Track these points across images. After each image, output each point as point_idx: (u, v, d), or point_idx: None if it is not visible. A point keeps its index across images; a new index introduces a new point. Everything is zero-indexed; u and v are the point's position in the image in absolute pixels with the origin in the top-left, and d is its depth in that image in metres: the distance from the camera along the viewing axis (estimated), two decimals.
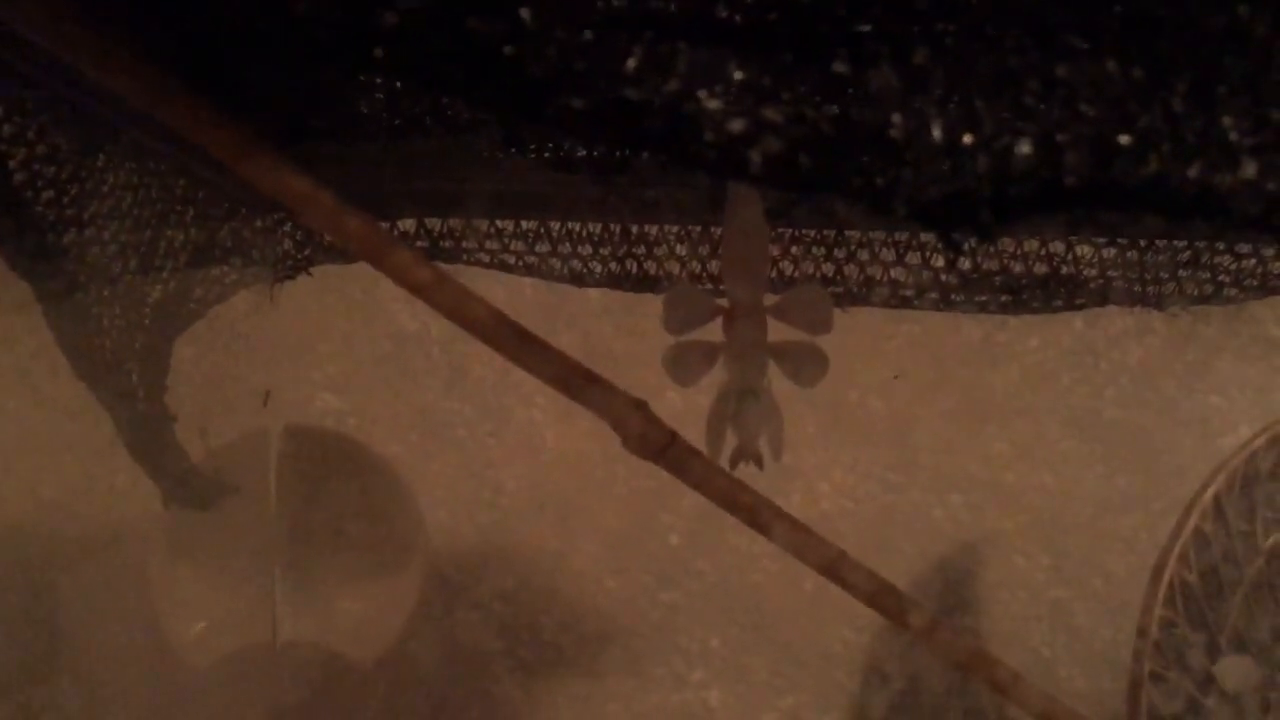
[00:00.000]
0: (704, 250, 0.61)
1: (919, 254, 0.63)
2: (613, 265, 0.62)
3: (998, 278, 0.64)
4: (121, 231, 0.46)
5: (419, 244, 0.63)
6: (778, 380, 0.46)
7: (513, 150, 0.43)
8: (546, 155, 0.43)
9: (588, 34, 0.27)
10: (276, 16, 0.27)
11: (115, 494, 0.79)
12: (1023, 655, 1.07)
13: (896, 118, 0.28)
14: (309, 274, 0.65)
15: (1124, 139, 0.28)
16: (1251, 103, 0.28)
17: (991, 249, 0.63)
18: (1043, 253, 0.63)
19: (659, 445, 0.37)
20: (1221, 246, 0.63)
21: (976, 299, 0.64)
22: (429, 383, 1.11)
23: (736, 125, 0.27)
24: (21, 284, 0.45)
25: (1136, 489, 1.10)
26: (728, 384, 0.45)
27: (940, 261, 0.63)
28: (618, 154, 0.42)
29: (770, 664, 1.07)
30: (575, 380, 0.36)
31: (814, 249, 0.62)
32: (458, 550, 1.08)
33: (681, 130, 0.27)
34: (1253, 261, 0.62)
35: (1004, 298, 0.65)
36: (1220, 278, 0.64)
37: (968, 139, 0.28)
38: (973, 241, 0.29)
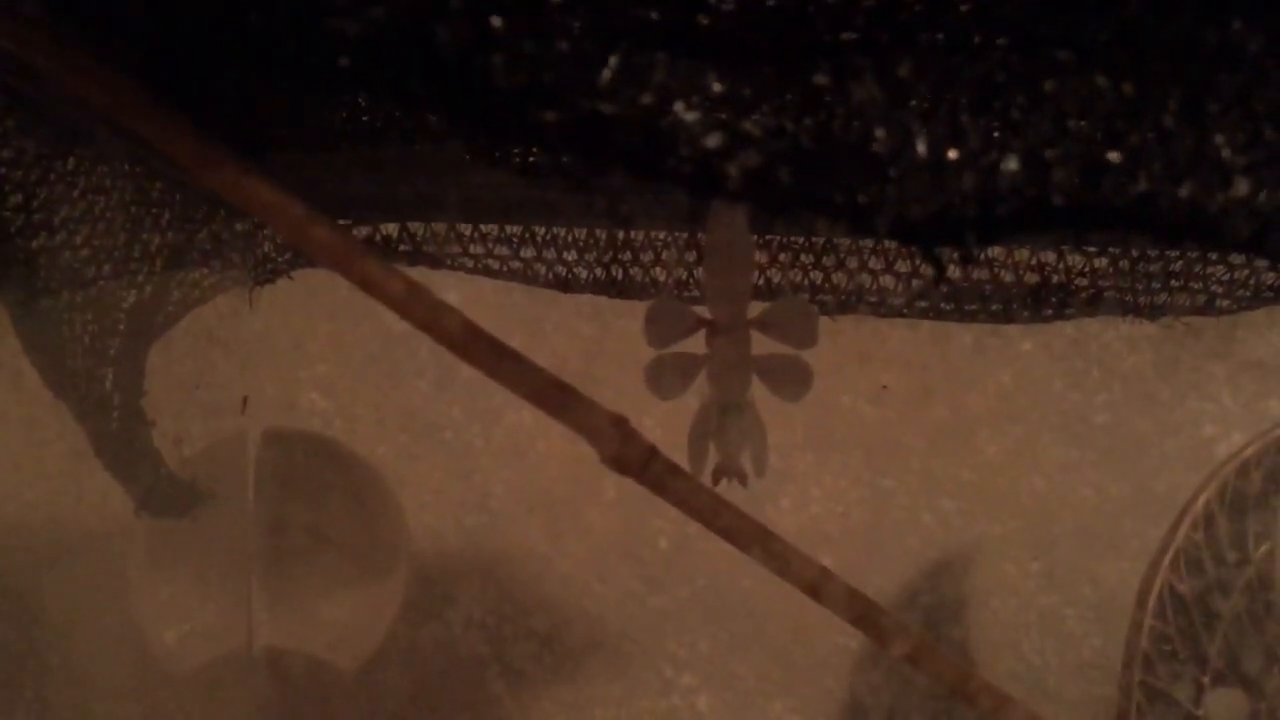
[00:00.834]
0: (690, 256, 0.61)
1: (908, 263, 0.62)
2: (598, 271, 0.62)
3: (988, 287, 0.63)
4: (94, 236, 0.45)
5: (402, 248, 0.62)
6: (763, 391, 0.46)
7: (487, 160, 0.42)
8: (520, 164, 0.42)
9: (560, 44, 0.26)
10: (239, 27, 0.26)
11: (100, 495, 0.78)
12: (1012, 662, 1.06)
13: (879, 132, 0.27)
14: (290, 278, 0.64)
15: (1113, 156, 0.27)
16: (1244, 120, 0.27)
17: (982, 258, 0.62)
18: (1033, 262, 0.62)
19: (638, 461, 0.37)
20: (1214, 257, 0.62)
21: (966, 308, 0.64)
22: (417, 384, 1.10)
23: (714, 139, 0.27)
24: None
25: (1128, 495, 1.09)
26: (710, 398, 0.44)
27: (930, 271, 0.62)
28: (595, 165, 0.41)
29: (759, 669, 1.07)
30: (551, 394, 0.35)
31: (801, 256, 0.61)
32: (444, 553, 1.07)
33: (657, 144, 0.27)
34: (1245, 272, 0.61)
35: (994, 307, 0.64)
36: (1213, 288, 0.64)
37: (953, 154, 0.27)
38: (957, 258, 0.28)
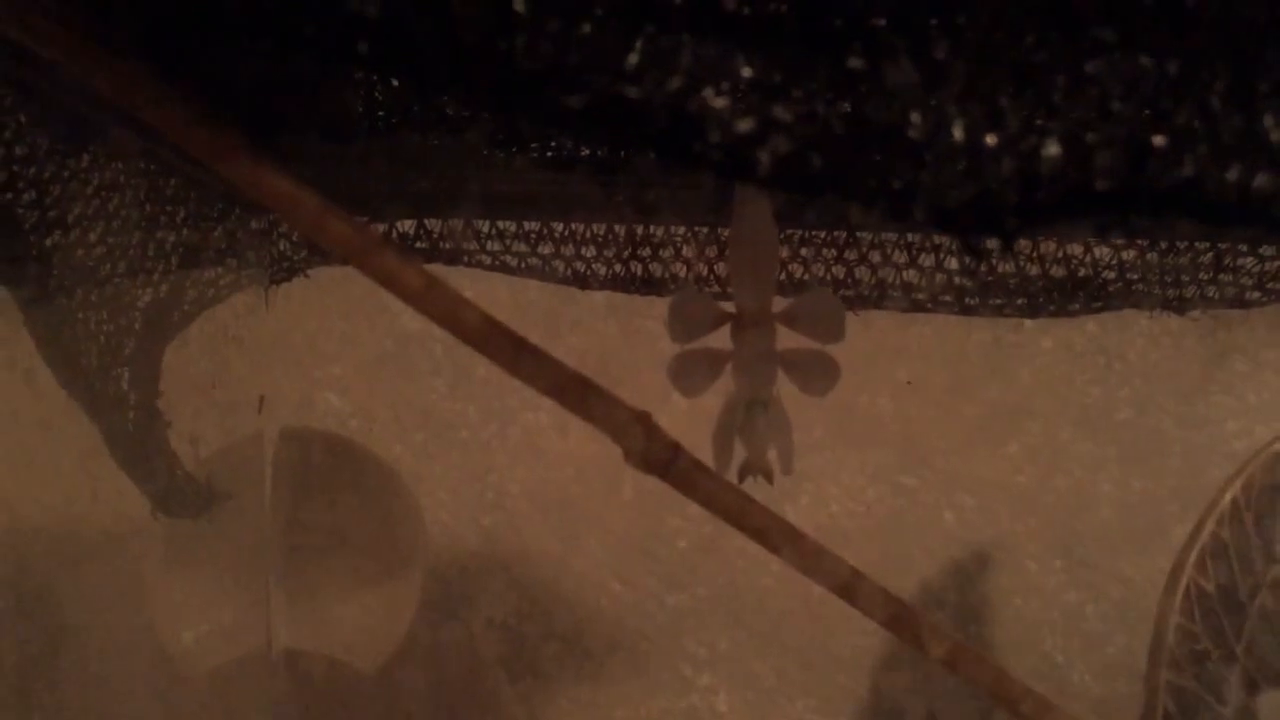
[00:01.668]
0: (711, 252, 0.60)
1: (933, 256, 0.61)
2: (617, 267, 0.61)
3: (1014, 281, 0.62)
4: (108, 233, 0.44)
5: (418, 245, 0.61)
6: (787, 387, 0.45)
7: (508, 149, 0.41)
8: (541, 154, 0.41)
9: (585, 26, 0.25)
10: (256, 11, 0.25)
11: (116, 495, 0.78)
12: (1035, 661, 1.06)
13: (915, 116, 0.26)
14: (306, 276, 0.64)
15: (1158, 139, 0.26)
16: None
17: (1008, 251, 0.61)
18: (1060, 255, 0.61)
19: (663, 460, 0.36)
20: (1245, 249, 0.61)
21: (992, 302, 0.62)
22: (432, 383, 1.10)
23: (744, 125, 0.26)
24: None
25: (1151, 492, 1.08)
26: (735, 394, 0.43)
27: (955, 265, 0.62)
28: (619, 154, 0.40)
29: (779, 668, 1.06)
30: (572, 390, 0.35)
31: (825, 251, 0.60)
32: (462, 553, 1.06)
33: (685, 130, 0.26)
34: (1278, 264, 0.60)
35: (1020, 301, 0.63)
36: (1243, 280, 0.63)
37: (991, 139, 0.26)
38: (995, 247, 0.27)
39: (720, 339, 0.43)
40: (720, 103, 0.26)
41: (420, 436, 1.09)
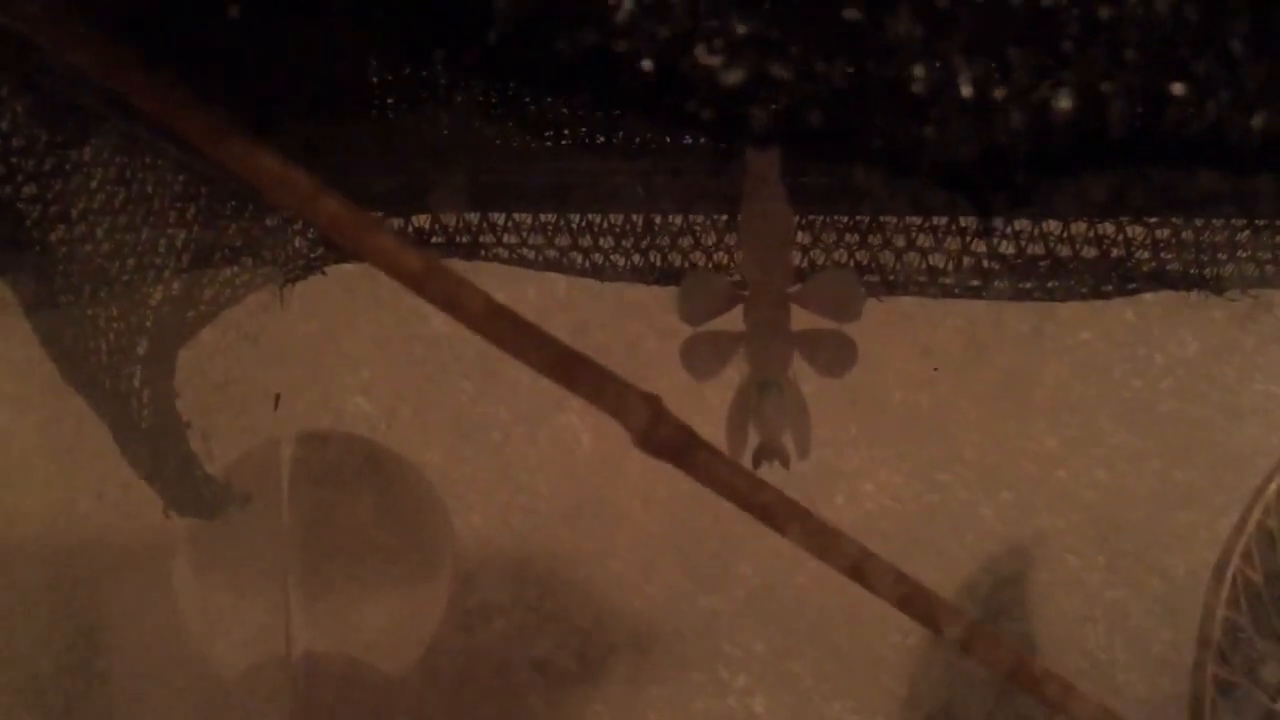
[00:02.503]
0: (731, 240, 0.59)
1: (959, 240, 0.60)
2: (635, 258, 0.60)
3: (1043, 263, 0.60)
4: (115, 229, 0.44)
5: (435, 240, 0.61)
6: (813, 375, 0.43)
7: (490, 113, 0.40)
8: (529, 116, 0.40)
9: None
10: None
11: (151, 501, 0.78)
12: (1078, 659, 1.04)
13: (919, 70, 0.25)
14: (323, 273, 0.63)
15: (1177, 87, 0.25)
16: None
17: (1037, 232, 0.60)
18: (1091, 235, 0.60)
19: (673, 443, 0.35)
20: None
21: (1021, 285, 0.61)
22: (462, 385, 1.09)
23: (739, 82, 0.25)
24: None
25: (1195, 484, 1.06)
26: (749, 376, 0.42)
27: (982, 248, 0.60)
28: (607, 113, 0.39)
29: (816, 669, 1.05)
30: (580, 373, 0.34)
31: (847, 235, 0.59)
32: (492, 556, 1.06)
33: (677, 88, 0.25)
34: None
35: (1051, 284, 0.61)
36: None
37: (1000, 92, 0.25)
38: (1006, 210, 0.26)
39: (734, 321, 0.42)
40: (713, 60, 0.25)
41: (450, 439, 1.09)
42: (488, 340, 0.33)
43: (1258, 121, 0.25)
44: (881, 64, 0.25)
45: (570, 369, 0.33)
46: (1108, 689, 1.03)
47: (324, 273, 0.63)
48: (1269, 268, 0.61)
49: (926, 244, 0.59)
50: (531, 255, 0.61)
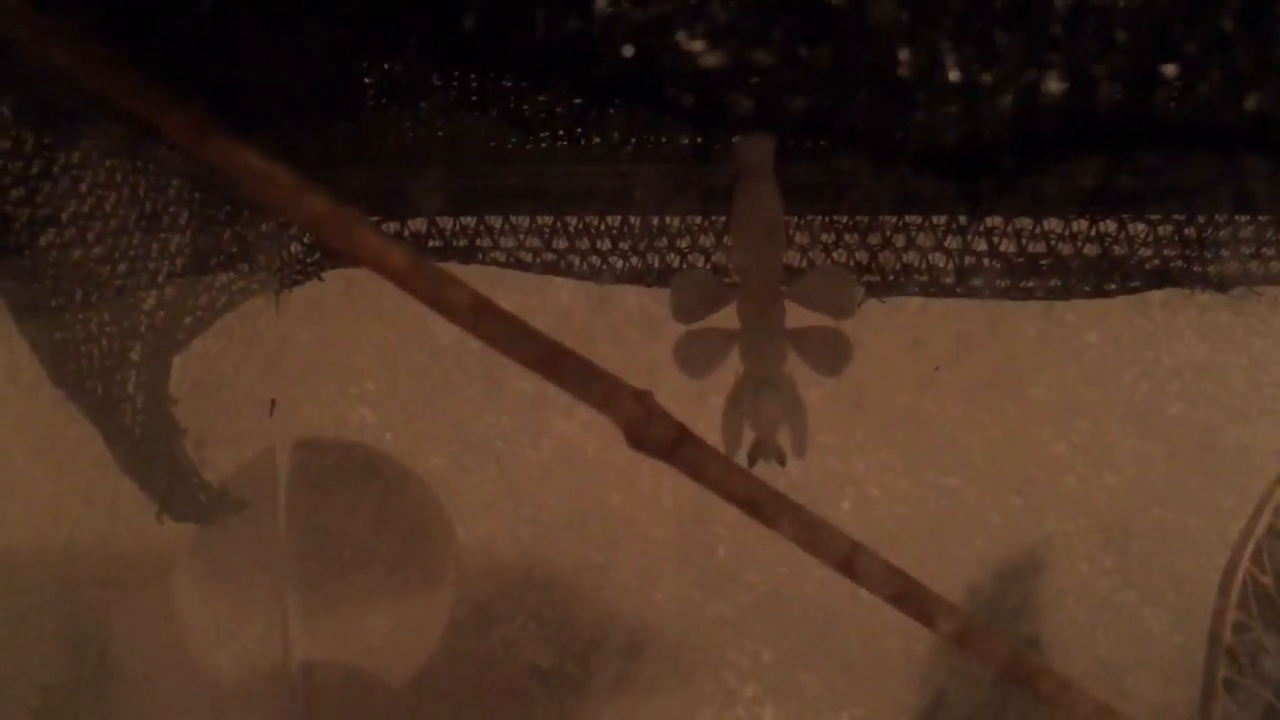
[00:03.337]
0: (729, 241, 0.58)
1: (959, 239, 0.59)
2: (633, 260, 0.59)
3: (1045, 261, 0.60)
4: (106, 233, 0.44)
5: (432, 244, 0.60)
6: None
7: (469, 107, 0.40)
8: (509, 109, 0.40)
9: None
10: None
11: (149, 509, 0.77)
12: (1089, 664, 1.03)
13: (904, 54, 0.25)
14: (320, 279, 0.63)
15: (1167, 69, 0.24)
16: None
17: (1038, 229, 0.59)
18: (1093, 233, 0.59)
19: (666, 441, 0.34)
20: None
21: (1022, 285, 0.60)
22: (466, 395, 1.09)
23: (721, 69, 0.24)
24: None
25: (1204, 488, 1.05)
26: (744, 374, 0.42)
27: (983, 245, 0.60)
28: (587, 102, 0.39)
29: (825, 677, 1.04)
30: (570, 370, 0.33)
31: (846, 235, 0.58)
32: (498, 566, 1.05)
33: (658, 75, 0.24)
34: None
35: (1053, 283, 0.61)
36: None
37: (986, 76, 0.25)
38: (993, 197, 0.25)
39: (728, 318, 0.42)
40: (695, 46, 0.24)
41: (455, 449, 1.08)
42: (475, 336, 0.33)
43: (1250, 103, 0.24)
44: (866, 49, 0.25)
45: (559, 365, 0.33)
46: (1119, 693, 1.02)
47: (321, 278, 0.63)
48: (1274, 264, 0.60)
49: (927, 243, 0.59)
50: (529, 258, 0.60)
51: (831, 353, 0.41)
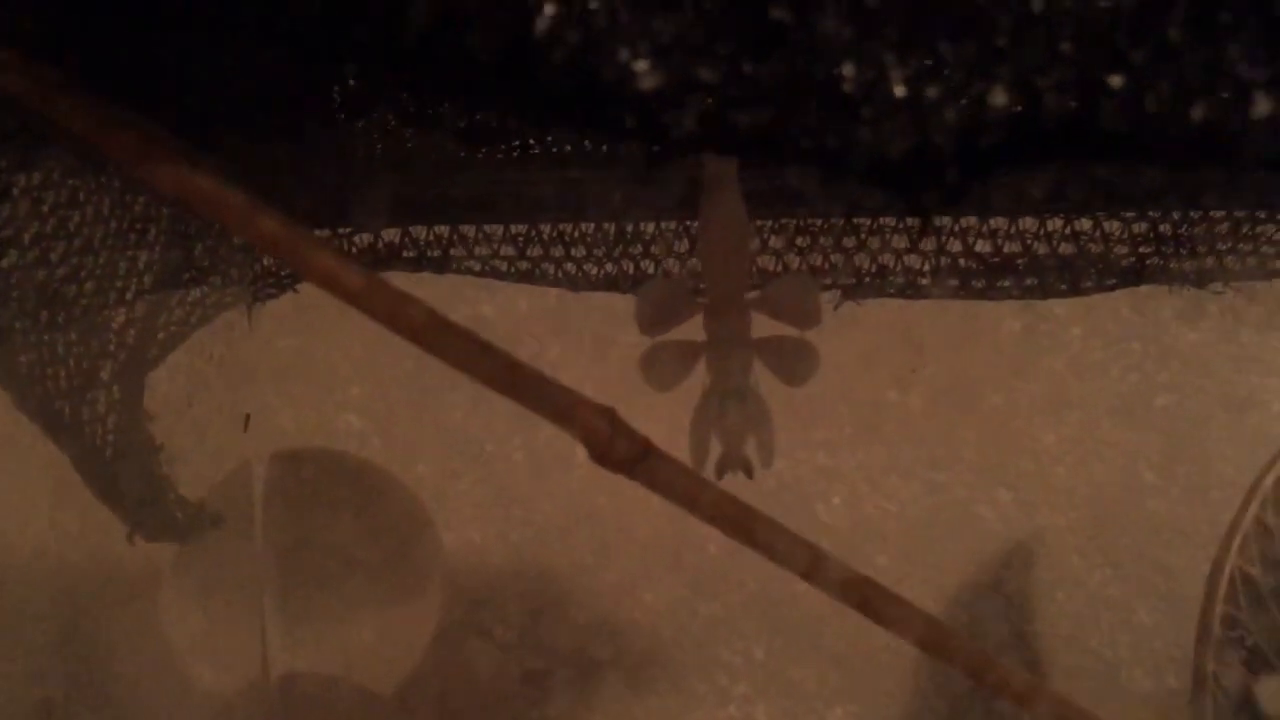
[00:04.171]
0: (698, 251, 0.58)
1: (934, 239, 0.59)
2: (608, 267, 0.59)
3: (1021, 261, 0.60)
4: (70, 253, 0.43)
5: (405, 255, 0.60)
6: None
7: (416, 123, 0.39)
8: (458, 126, 0.39)
9: None
10: None
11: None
12: (1082, 657, 1.03)
13: (848, 69, 0.24)
14: (295, 291, 0.62)
15: (1114, 80, 0.24)
16: (1262, 31, 0.24)
17: (1013, 229, 0.59)
18: (1068, 231, 0.59)
19: (630, 456, 0.34)
20: (1263, 215, 0.58)
21: (999, 284, 0.60)
22: (453, 400, 1.09)
23: (664, 87, 0.24)
24: None
25: (1194, 479, 1.06)
26: (710, 386, 0.41)
27: (958, 246, 0.59)
28: (531, 120, 0.39)
29: (817, 675, 1.05)
30: (530, 387, 0.33)
31: (821, 239, 0.58)
32: (489, 570, 1.05)
33: (599, 93, 0.24)
34: None
35: (1029, 282, 0.61)
36: (1264, 249, 0.60)
37: (932, 90, 0.24)
38: (939, 208, 0.25)
39: (694, 330, 0.41)
40: (638, 65, 0.24)
41: (443, 455, 1.08)
42: (433, 355, 0.32)
43: (1197, 113, 0.24)
44: (810, 64, 0.24)
45: (518, 382, 0.32)
46: (1111, 686, 1.02)
47: (295, 290, 0.62)
48: (1250, 260, 0.60)
49: (901, 245, 0.58)
50: (504, 267, 0.60)
51: (798, 362, 0.41)
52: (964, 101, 0.24)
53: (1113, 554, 1.05)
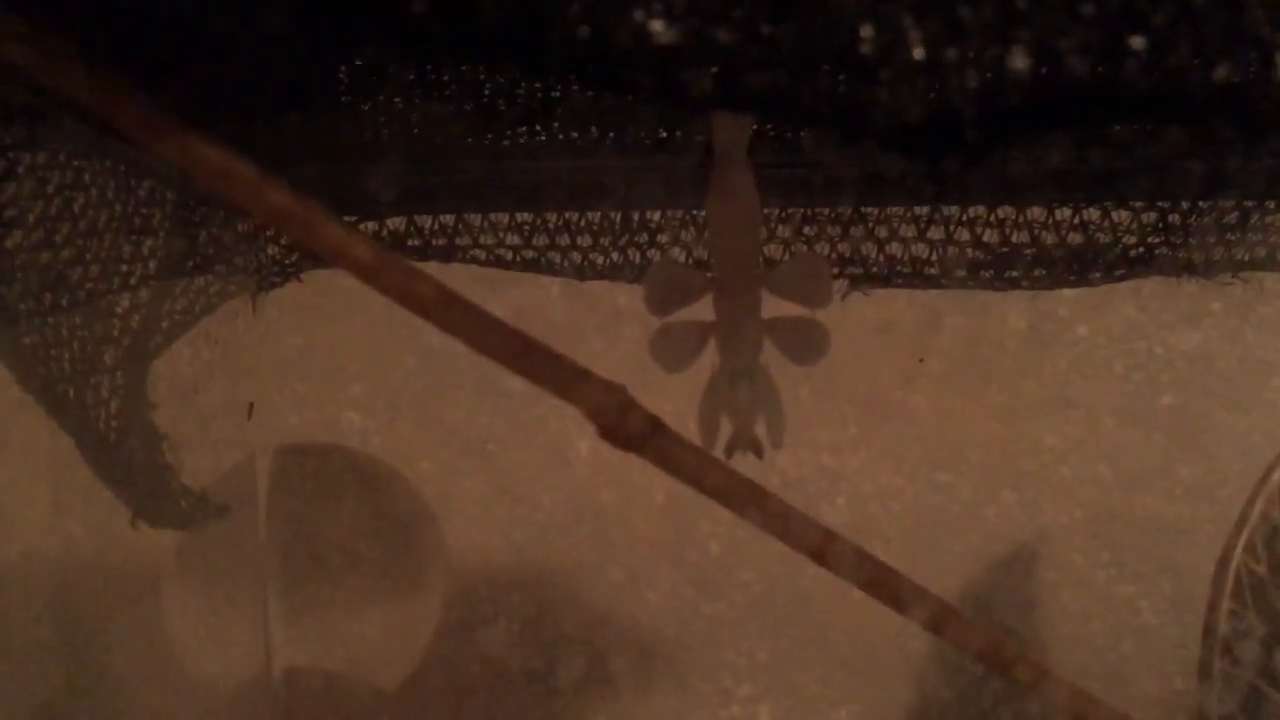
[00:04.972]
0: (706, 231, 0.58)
1: (943, 229, 0.59)
2: (614, 255, 0.59)
3: (1029, 251, 0.59)
4: (75, 235, 0.43)
5: (410, 243, 0.60)
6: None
7: (429, 99, 0.39)
8: (473, 103, 0.39)
9: None
10: None
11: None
12: (1087, 658, 1.03)
13: (867, 31, 0.24)
14: (299, 280, 0.62)
15: (1135, 41, 0.24)
16: None
17: (1021, 219, 0.59)
18: (1077, 221, 0.59)
19: (639, 434, 0.34)
20: (1273, 204, 0.58)
21: (1007, 275, 0.60)
22: (457, 397, 1.08)
23: (680, 48, 0.24)
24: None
25: (1199, 478, 1.05)
26: (720, 366, 0.41)
27: (966, 236, 0.59)
28: (548, 87, 0.38)
29: (822, 676, 1.04)
30: (539, 362, 0.33)
31: (829, 228, 0.58)
32: (492, 569, 1.05)
33: (615, 55, 0.24)
34: None
35: (1038, 272, 0.60)
36: (1273, 239, 0.60)
37: (951, 52, 0.24)
38: (958, 172, 0.25)
39: (704, 310, 0.41)
40: (654, 25, 0.24)
41: (446, 452, 1.08)
42: (442, 330, 0.32)
43: (1219, 74, 0.24)
44: (828, 26, 0.24)
45: (528, 357, 0.32)
46: (1116, 686, 1.02)
47: (300, 280, 0.62)
48: (1259, 250, 0.60)
49: (910, 234, 0.58)
50: (509, 256, 0.60)
51: (808, 343, 0.41)
52: (983, 65, 0.24)
53: (1117, 554, 1.05)
